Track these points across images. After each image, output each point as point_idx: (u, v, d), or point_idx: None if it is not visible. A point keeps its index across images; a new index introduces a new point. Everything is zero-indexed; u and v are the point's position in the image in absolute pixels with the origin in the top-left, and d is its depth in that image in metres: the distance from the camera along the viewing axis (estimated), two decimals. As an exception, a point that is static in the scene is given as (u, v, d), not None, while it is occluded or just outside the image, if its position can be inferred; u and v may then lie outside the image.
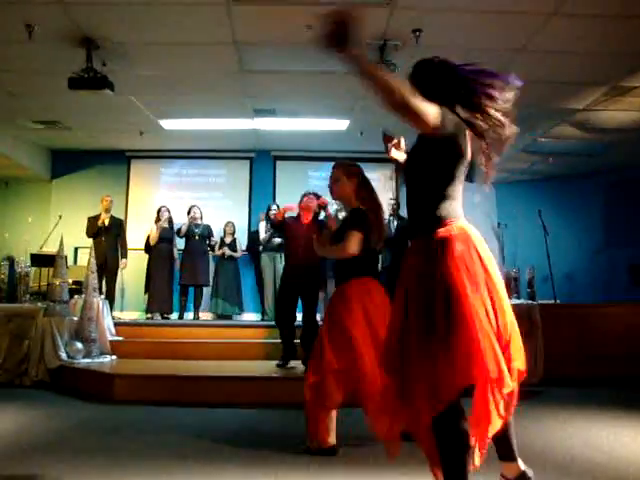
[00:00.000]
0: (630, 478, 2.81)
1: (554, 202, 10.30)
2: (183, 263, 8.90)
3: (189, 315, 9.05)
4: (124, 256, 8.45)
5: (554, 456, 3.13)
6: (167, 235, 8.87)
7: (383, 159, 12.15)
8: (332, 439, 3.26)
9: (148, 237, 8.81)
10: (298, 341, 5.68)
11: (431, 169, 2.26)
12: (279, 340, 5.74)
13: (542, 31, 5.63)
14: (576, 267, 9.97)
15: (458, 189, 2.27)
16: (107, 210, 8.38)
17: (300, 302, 5.70)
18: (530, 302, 6.66)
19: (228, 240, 9.30)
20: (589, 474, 2.86)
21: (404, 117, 2.13)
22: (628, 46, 5.96)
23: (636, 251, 9.95)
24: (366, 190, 3.48)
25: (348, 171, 3.51)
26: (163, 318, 8.58)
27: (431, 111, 2.13)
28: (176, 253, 8.97)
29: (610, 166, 10.17)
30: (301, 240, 5.53)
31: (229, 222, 9.48)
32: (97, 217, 8.33)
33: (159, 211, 8.97)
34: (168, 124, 8.82)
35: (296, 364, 5.60)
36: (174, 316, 9.01)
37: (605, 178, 10.52)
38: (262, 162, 10.56)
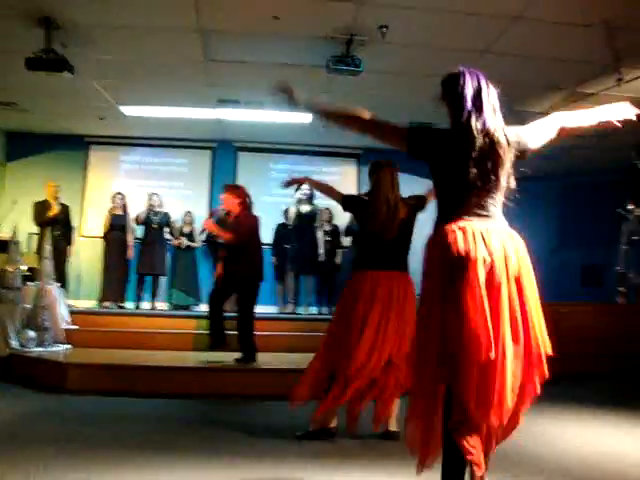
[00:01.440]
0: (573, 470, 2.89)
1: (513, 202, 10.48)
2: (141, 252, 8.81)
3: (146, 305, 8.95)
4: (70, 243, 8.31)
5: (503, 451, 3.19)
6: (121, 222, 8.75)
7: (345, 153, 12.25)
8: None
9: (106, 225, 8.68)
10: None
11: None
12: (235, 332, 5.70)
13: (507, 34, 5.73)
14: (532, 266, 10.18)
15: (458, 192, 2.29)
16: (55, 197, 8.21)
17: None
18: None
19: (186, 230, 9.22)
20: (535, 467, 2.94)
21: (377, 137, 2.34)
22: (587, 54, 6.11)
23: (588, 253, 10.25)
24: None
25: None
26: (119, 307, 8.47)
27: (398, 129, 2.30)
28: (131, 241, 8.87)
29: (566, 170, 10.41)
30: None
31: (187, 212, 9.40)
32: (45, 204, 8.13)
33: (113, 197, 8.85)
34: (129, 110, 8.66)
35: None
36: (131, 305, 8.90)
37: (560, 181, 10.78)
38: (224, 152, 10.47)
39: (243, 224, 5.55)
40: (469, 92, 2.27)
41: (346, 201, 3.76)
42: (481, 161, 2.21)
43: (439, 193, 2.37)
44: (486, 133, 2.23)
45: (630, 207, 7.85)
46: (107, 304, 8.46)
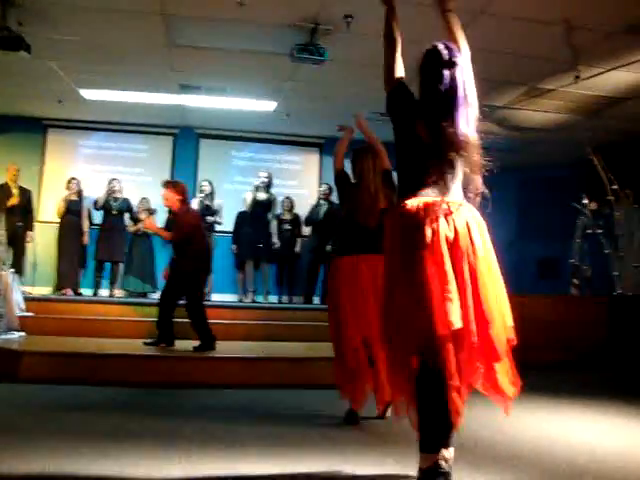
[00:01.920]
0: (525, 456, 2.98)
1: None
2: (99, 238, 8.67)
3: (105, 292, 8.82)
4: (30, 229, 8.13)
5: (459, 439, 3.26)
6: (76, 207, 8.60)
7: (308, 142, 12.27)
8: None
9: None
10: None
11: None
12: (187, 319, 5.69)
13: (469, 28, 5.76)
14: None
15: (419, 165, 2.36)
16: (14, 181, 8.02)
17: None
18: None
19: (143, 217, 9.09)
20: (488, 454, 3.01)
21: (385, 60, 2.56)
22: (547, 50, 6.23)
23: (545, 246, 10.48)
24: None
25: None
26: (76, 294, 8.34)
27: (394, 77, 2.46)
28: (87, 227, 8.71)
29: (525, 163, 10.60)
30: None
31: (144, 198, 9.21)
32: (4, 188, 7.94)
33: (69, 182, 8.68)
34: (89, 94, 8.48)
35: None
36: (89, 292, 8.77)
37: (520, 174, 10.97)
38: (186, 139, 10.34)
39: (182, 221, 5.62)
40: (446, 74, 2.38)
41: (343, 176, 3.79)
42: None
43: (401, 165, 2.41)
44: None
45: (585, 202, 8.04)
46: (65, 291, 8.32)
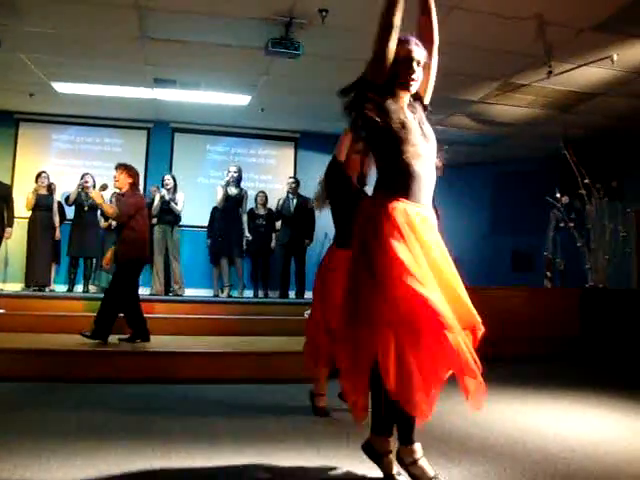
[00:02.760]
0: (497, 445, 3.02)
1: (445, 189, 10.72)
2: (72, 233, 8.56)
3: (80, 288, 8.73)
4: (10, 225, 7.99)
5: (430, 429, 3.29)
6: (46, 202, 8.49)
7: (282, 137, 12.25)
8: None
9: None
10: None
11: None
12: (163, 315, 5.66)
13: (443, 22, 5.79)
14: (463, 252, 10.43)
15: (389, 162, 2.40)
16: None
17: None
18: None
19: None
20: (462, 444, 3.05)
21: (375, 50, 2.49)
22: (520, 45, 6.30)
23: (519, 238, 10.61)
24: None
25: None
26: (41, 290, 8.22)
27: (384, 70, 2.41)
28: (57, 222, 8.61)
29: (499, 157, 10.72)
30: None
31: (114, 192, 9.09)
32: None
33: (38, 176, 8.55)
34: (62, 87, 8.36)
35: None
36: (63, 288, 8.66)
37: (494, 168, 11.09)
38: (160, 133, 10.26)
39: (128, 202, 5.60)
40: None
41: (340, 167, 3.71)
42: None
43: (380, 167, 2.44)
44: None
45: (557, 195, 8.15)
46: (38, 288, 8.22)
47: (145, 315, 5.77)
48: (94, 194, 5.83)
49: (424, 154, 2.38)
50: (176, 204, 8.64)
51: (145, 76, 7.85)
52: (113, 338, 5.53)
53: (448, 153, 8.98)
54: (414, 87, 2.45)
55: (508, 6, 5.50)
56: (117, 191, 6.50)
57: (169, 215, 8.59)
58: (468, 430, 3.39)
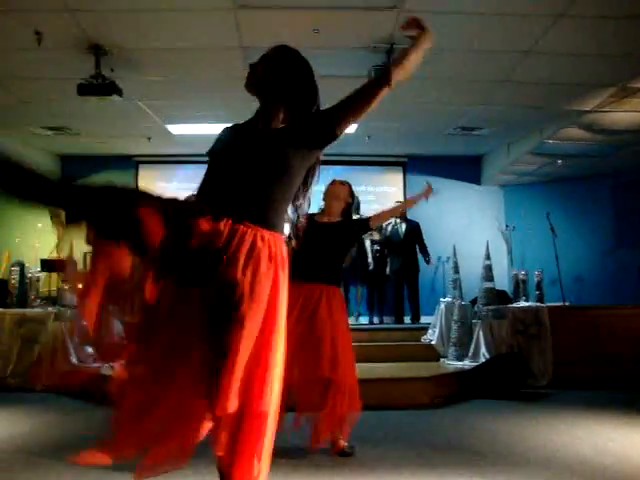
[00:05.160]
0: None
1: (562, 204, 10.28)
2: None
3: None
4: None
5: (564, 459, 3.12)
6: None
7: (389, 162, 12.05)
8: None
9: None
10: None
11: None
12: None
13: (549, 33, 5.62)
14: (585, 269, 9.92)
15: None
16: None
17: None
18: (538, 304, 6.65)
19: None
20: (600, 477, 2.86)
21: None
22: (635, 47, 5.95)
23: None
24: None
25: None
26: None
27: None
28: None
29: (619, 167, 10.13)
30: None
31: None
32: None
33: None
34: (176, 129, 8.85)
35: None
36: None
37: (614, 179, 10.48)
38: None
39: None
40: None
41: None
42: None
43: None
44: None
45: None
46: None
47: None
48: None
49: None
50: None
51: (253, 112, 8.11)
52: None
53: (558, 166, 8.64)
54: None
55: (617, 6, 5.21)
56: None
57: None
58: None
